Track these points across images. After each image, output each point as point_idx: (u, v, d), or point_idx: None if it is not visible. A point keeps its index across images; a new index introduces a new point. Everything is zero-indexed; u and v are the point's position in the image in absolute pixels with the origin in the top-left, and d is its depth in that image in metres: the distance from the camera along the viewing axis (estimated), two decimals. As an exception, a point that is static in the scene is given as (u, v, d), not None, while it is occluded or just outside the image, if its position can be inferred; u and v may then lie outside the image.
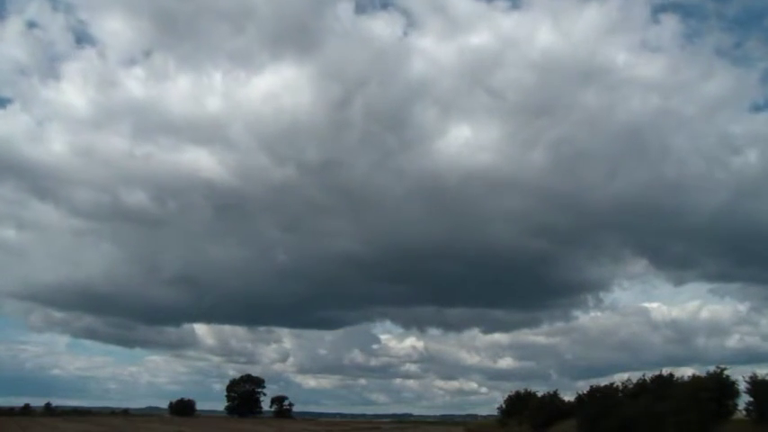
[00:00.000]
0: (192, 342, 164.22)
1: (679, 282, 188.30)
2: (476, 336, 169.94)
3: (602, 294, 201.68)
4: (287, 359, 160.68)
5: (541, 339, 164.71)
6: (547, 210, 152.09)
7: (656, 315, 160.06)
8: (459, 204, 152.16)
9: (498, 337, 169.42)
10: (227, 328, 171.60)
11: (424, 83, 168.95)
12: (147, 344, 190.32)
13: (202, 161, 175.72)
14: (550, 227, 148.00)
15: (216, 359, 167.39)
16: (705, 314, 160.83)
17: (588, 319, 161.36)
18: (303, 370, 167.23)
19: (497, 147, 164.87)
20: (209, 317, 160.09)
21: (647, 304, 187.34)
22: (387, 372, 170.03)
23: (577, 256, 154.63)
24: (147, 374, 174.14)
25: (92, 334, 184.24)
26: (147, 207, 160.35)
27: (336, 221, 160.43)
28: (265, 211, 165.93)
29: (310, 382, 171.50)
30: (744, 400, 33.67)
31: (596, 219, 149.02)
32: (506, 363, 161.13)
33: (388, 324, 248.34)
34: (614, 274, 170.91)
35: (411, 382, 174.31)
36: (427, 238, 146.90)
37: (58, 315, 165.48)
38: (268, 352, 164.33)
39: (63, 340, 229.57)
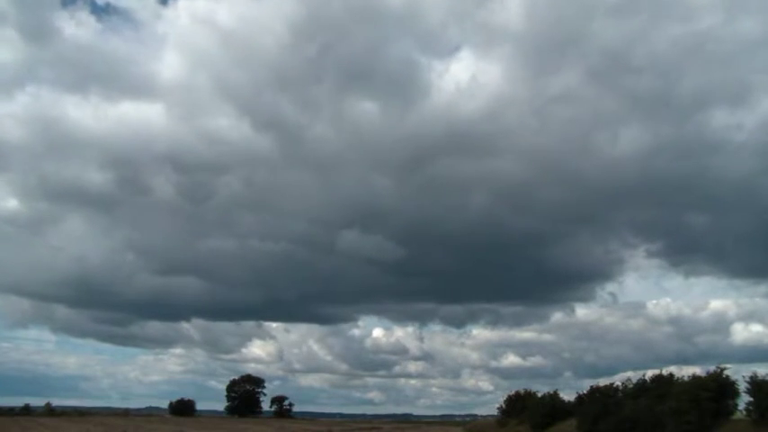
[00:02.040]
0: (183, 340, 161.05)
1: (695, 273, 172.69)
2: (477, 332, 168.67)
3: (610, 286, 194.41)
4: (281, 356, 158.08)
5: (545, 336, 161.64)
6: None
7: (667, 310, 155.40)
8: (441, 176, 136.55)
9: (499, 333, 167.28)
10: (214, 323, 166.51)
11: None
12: (137, 341, 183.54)
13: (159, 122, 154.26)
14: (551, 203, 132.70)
15: (208, 357, 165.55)
16: (720, 309, 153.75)
17: (595, 314, 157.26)
18: (298, 368, 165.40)
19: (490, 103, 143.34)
20: (198, 312, 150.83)
21: (659, 298, 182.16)
22: (387, 371, 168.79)
23: (585, 241, 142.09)
24: (141, 373, 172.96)
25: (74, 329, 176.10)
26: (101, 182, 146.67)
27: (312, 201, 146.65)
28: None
29: (308, 380, 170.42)
30: (744, 400, 33.63)
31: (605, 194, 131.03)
32: (508, 361, 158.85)
33: (385, 321, 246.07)
34: (624, 263, 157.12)
35: (411, 382, 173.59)
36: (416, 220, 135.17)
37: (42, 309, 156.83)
38: (262, 349, 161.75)
39: (50, 336, 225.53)
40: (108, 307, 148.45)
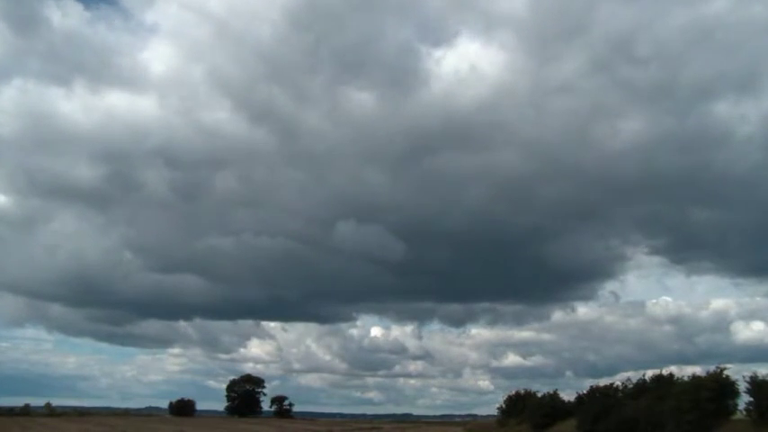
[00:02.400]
0: (182, 339, 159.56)
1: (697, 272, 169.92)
2: (476, 332, 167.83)
3: (612, 285, 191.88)
4: (280, 356, 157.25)
5: (546, 336, 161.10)
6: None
7: (669, 309, 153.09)
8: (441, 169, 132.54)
9: (499, 333, 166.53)
10: (213, 323, 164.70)
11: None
12: (136, 340, 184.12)
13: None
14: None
15: (207, 357, 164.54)
16: (722, 308, 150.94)
17: (596, 313, 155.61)
18: (297, 368, 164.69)
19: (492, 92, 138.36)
20: (196, 311, 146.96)
21: (661, 297, 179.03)
22: (387, 371, 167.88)
23: (586, 238, 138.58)
24: (141, 373, 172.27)
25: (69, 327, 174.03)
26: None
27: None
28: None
29: (307, 380, 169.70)
30: (744, 400, 33.67)
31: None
32: (508, 361, 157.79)
33: (384, 320, 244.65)
34: (625, 261, 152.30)
35: (411, 382, 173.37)
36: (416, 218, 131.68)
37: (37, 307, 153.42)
38: (261, 348, 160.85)
39: (46, 336, 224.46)
40: (105, 305, 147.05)
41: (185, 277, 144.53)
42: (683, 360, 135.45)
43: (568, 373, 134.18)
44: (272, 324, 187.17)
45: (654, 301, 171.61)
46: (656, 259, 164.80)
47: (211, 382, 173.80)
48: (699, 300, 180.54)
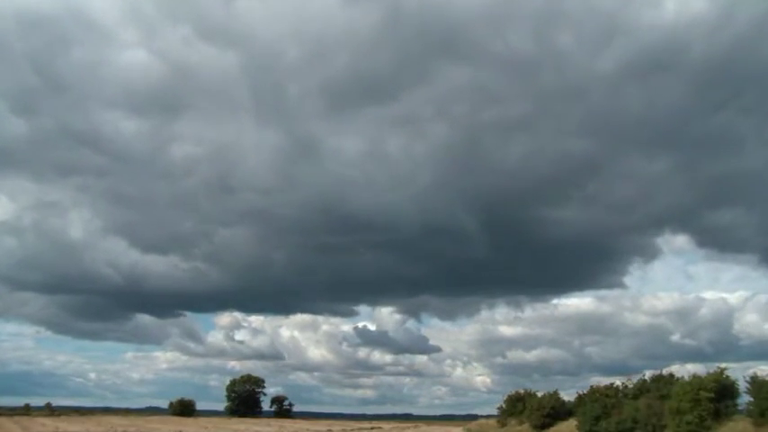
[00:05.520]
0: (181, 338, 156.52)
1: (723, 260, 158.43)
2: (478, 329, 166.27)
3: (628, 276, 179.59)
4: (279, 355, 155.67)
5: (550, 332, 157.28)
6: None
7: (689, 302, 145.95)
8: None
9: (502, 330, 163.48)
10: (212, 321, 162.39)
11: None
12: (135, 339, 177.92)
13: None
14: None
15: (207, 356, 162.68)
16: (748, 301, 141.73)
17: (608, 307, 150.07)
18: (297, 367, 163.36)
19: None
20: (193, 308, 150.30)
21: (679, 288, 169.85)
22: (386, 369, 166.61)
23: (598, 222, 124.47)
24: (140, 372, 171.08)
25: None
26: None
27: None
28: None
29: (306, 379, 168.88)
30: (744, 400, 33.76)
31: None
32: (510, 359, 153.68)
33: (385, 318, 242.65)
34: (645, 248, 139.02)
35: (411, 381, 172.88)
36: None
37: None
38: (260, 347, 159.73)
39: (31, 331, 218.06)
40: (94, 297, 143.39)
41: (182, 271, 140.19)
42: (703, 357, 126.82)
43: (574, 372, 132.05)
44: (273, 322, 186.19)
45: (673, 293, 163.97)
46: (680, 245, 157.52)
47: (212, 383, 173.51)
48: (725, 291, 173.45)
